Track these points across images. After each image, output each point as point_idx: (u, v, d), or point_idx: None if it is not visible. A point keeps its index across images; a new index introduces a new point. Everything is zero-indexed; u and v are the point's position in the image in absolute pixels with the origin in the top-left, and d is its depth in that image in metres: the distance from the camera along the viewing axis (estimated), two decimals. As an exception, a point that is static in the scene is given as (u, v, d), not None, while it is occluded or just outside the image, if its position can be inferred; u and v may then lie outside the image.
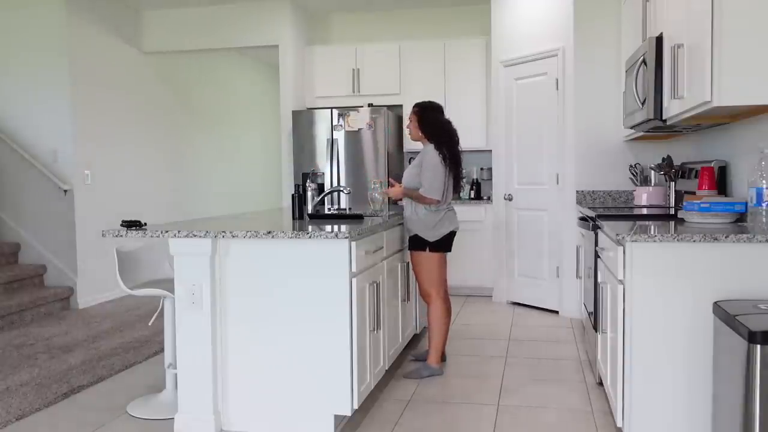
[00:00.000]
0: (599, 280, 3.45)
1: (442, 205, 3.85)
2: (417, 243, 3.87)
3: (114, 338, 4.82)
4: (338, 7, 6.89)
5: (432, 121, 3.86)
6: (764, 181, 2.74)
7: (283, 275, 2.96)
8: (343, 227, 3.11)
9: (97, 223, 6.12)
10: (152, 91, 7.13)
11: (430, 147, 3.81)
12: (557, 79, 5.39)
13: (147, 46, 6.87)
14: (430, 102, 3.97)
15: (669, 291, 2.54)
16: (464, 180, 6.66)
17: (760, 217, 2.75)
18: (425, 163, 3.79)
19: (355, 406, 2.97)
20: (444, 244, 3.88)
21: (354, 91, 6.66)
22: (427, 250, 3.85)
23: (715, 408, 2.39)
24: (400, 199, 3.99)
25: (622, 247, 2.64)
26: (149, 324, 4.73)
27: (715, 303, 2.36)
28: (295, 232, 2.90)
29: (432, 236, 3.83)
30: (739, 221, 2.94)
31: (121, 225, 3.15)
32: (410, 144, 6.36)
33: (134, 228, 3.14)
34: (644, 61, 3.47)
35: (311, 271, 2.93)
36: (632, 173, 5.01)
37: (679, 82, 3.00)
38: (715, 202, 2.95)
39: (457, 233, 3.97)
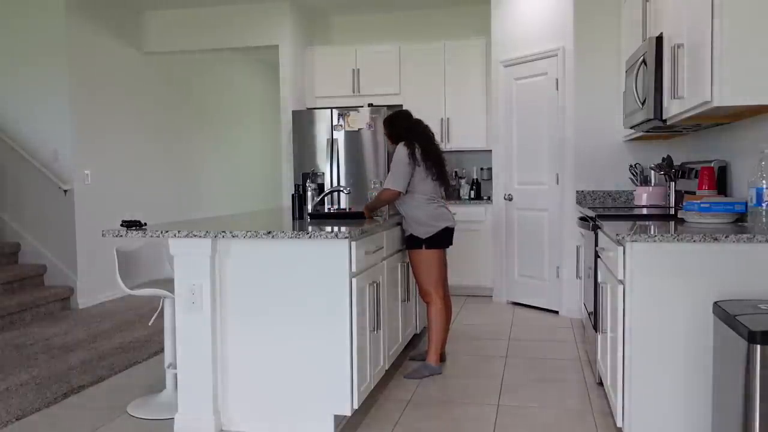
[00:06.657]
0: (599, 280, 3.45)
1: (433, 203, 3.85)
2: (413, 242, 3.88)
3: (114, 338, 4.82)
4: (338, 7, 6.89)
5: (398, 129, 3.94)
6: (764, 181, 2.74)
7: (283, 275, 2.96)
8: (343, 227, 3.11)
9: (97, 223, 6.12)
10: (152, 91, 7.14)
11: (399, 145, 3.84)
12: (557, 79, 5.39)
13: (147, 46, 6.87)
14: (394, 112, 4.08)
15: (669, 291, 2.54)
16: (464, 180, 6.69)
17: (760, 217, 2.75)
18: (392, 159, 3.84)
19: (355, 406, 2.97)
20: (439, 241, 3.86)
21: (354, 92, 6.66)
22: (423, 247, 3.85)
23: (715, 408, 2.39)
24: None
25: (622, 247, 2.64)
26: (149, 324, 4.73)
27: (715, 303, 2.36)
28: (295, 232, 2.90)
29: (424, 233, 3.83)
30: (739, 221, 2.94)
31: (121, 225, 3.15)
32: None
33: (134, 228, 3.14)
34: (644, 61, 3.47)
35: (311, 271, 2.93)
36: (632, 173, 5.01)
37: (679, 82, 3.00)
38: (715, 202, 2.95)
39: (456, 233, 3.97)
